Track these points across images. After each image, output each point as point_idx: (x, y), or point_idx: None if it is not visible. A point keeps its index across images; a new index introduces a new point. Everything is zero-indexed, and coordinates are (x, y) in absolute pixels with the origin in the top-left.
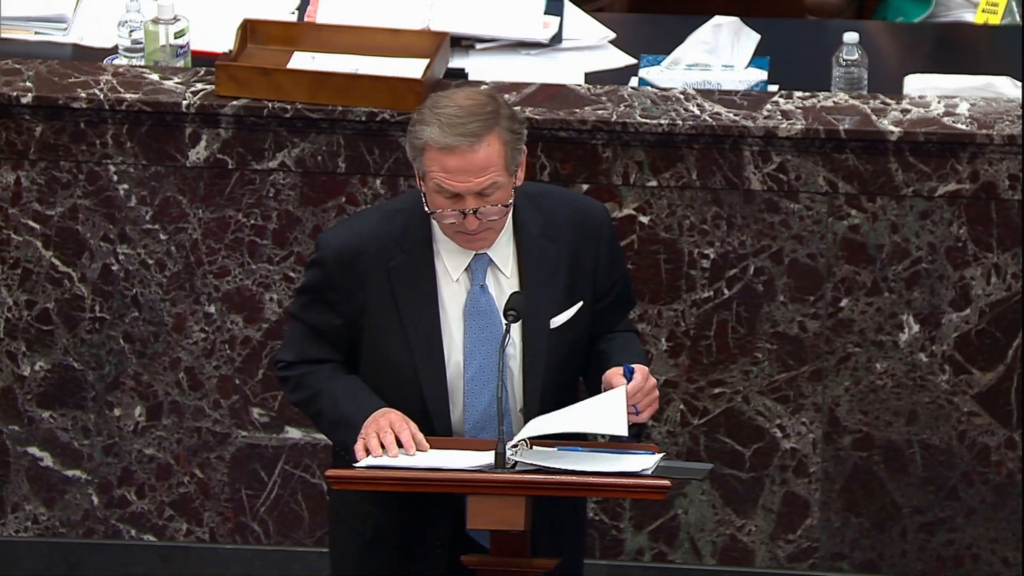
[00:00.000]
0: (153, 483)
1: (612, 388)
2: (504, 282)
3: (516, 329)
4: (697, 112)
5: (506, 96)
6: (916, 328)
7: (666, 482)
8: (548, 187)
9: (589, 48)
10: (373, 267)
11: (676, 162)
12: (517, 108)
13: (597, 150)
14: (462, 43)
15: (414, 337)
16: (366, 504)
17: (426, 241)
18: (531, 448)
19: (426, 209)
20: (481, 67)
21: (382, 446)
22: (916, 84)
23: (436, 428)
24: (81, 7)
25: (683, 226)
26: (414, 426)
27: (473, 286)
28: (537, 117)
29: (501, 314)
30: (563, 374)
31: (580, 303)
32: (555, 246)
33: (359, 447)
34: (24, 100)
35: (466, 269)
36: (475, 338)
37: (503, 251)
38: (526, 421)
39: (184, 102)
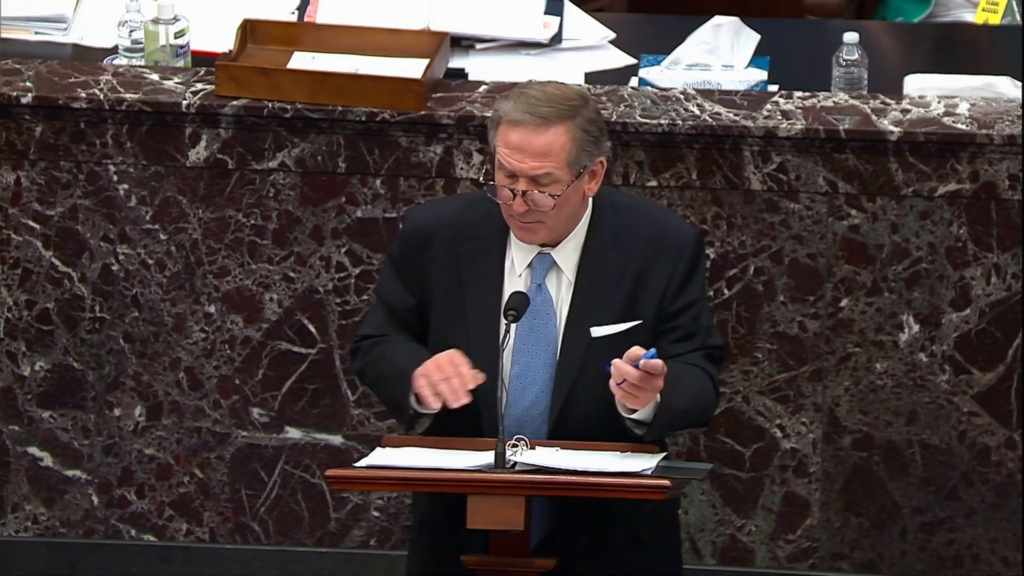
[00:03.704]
0: (153, 483)
1: (633, 358)
2: (565, 285)
3: (559, 334)
4: (697, 112)
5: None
6: (916, 328)
7: (666, 482)
8: (641, 201)
9: (589, 48)
10: (445, 251)
11: (676, 162)
12: None
13: None
14: (462, 43)
15: (475, 326)
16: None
17: (502, 231)
18: (531, 448)
19: (481, 180)
20: (481, 67)
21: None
22: (916, 84)
23: (484, 419)
24: (81, 7)
25: None
26: (464, 364)
27: (532, 284)
28: None
29: (555, 316)
30: (606, 390)
31: (636, 322)
32: (623, 258)
33: (426, 393)
34: (24, 100)
35: (528, 266)
36: (525, 337)
37: (570, 255)
38: (551, 428)
39: (184, 102)
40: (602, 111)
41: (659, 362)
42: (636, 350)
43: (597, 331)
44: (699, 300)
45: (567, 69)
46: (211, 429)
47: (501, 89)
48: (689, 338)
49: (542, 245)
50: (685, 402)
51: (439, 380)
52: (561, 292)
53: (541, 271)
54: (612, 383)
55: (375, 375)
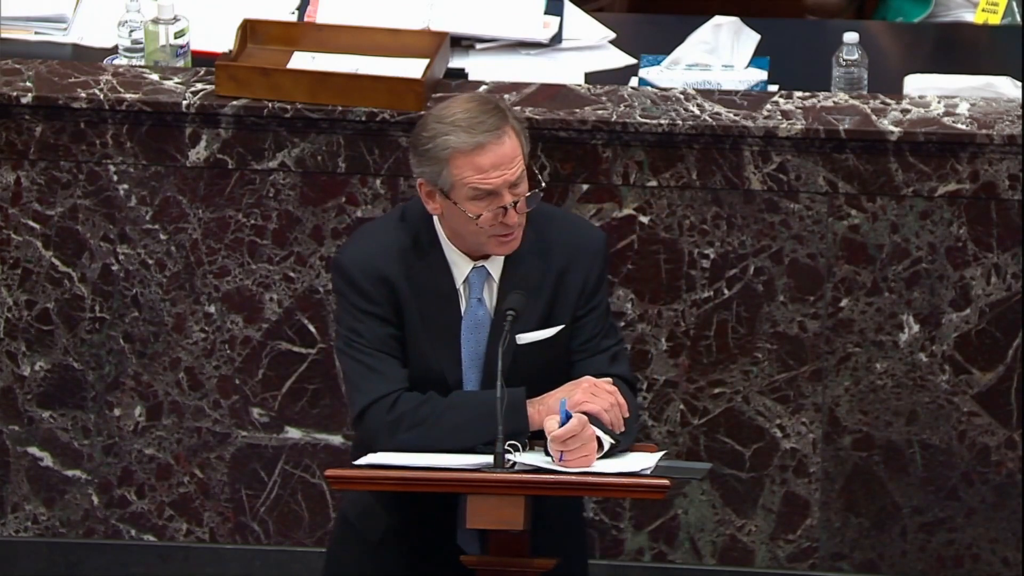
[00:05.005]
0: (153, 483)
1: (547, 431)
2: (496, 294)
3: (483, 341)
4: (697, 112)
5: (506, 96)
6: (916, 328)
7: (666, 482)
8: (547, 207)
9: (589, 48)
10: (399, 277)
11: (676, 162)
12: (517, 108)
13: (597, 150)
14: (462, 43)
15: (438, 343)
16: (377, 505)
17: (437, 246)
18: (531, 448)
19: (469, 216)
20: (481, 67)
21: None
22: (916, 84)
23: None
24: (81, 7)
25: (683, 226)
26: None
27: (471, 299)
28: (537, 117)
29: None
30: (532, 393)
31: (558, 328)
32: (542, 264)
33: (599, 412)
34: (24, 100)
35: (464, 280)
36: (472, 352)
37: (498, 263)
38: None
39: (184, 102)
40: (602, 111)
41: (572, 422)
42: (549, 424)
43: (523, 338)
44: (604, 300)
45: (567, 69)
46: (211, 429)
47: (501, 89)
48: (593, 338)
49: (478, 258)
50: (629, 422)
51: (609, 406)
52: (493, 302)
53: (478, 285)
54: (555, 461)
55: (445, 427)
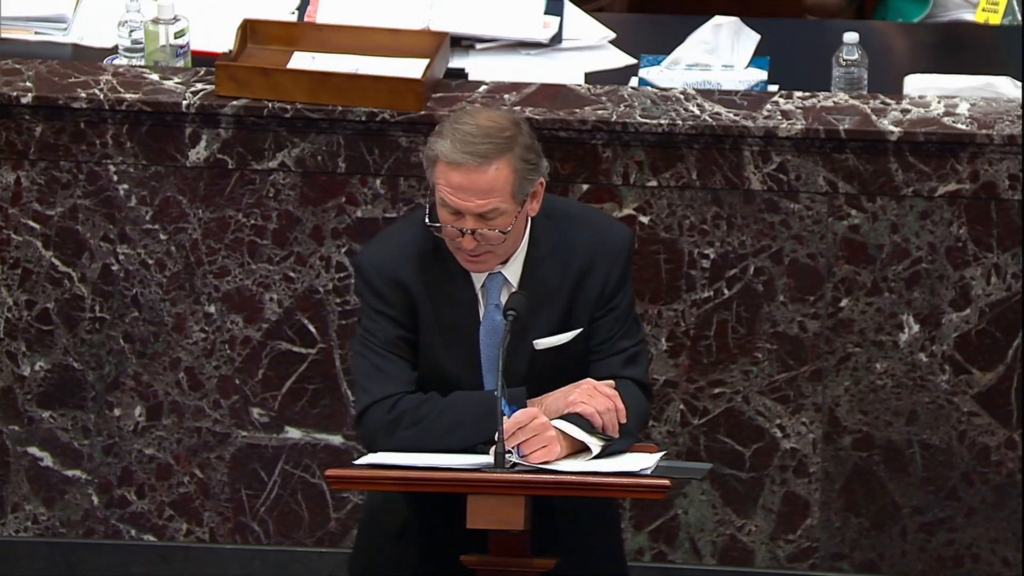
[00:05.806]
0: (153, 483)
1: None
2: None
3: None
4: (697, 112)
5: (506, 96)
6: (916, 328)
7: (666, 482)
8: (572, 207)
9: (589, 48)
10: (417, 281)
11: (676, 162)
12: (517, 108)
13: (597, 150)
14: (462, 43)
15: (455, 346)
16: (396, 498)
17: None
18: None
19: (426, 220)
20: (481, 67)
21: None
22: (916, 84)
23: None
24: (81, 7)
25: (683, 226)
26: (616, 396)
27: (488, 304)
28: (537, 117)
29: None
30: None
31: (576, 332)
32: (561, 267)
33: (594, 416)
34: (24, 100)
35: (482, 286)
36: (491, 356)
37: (516, 268)
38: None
39: (184, 102)
40: (602, 111)
41: (517, 414)
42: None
43: (541, 343)
44: (625, 300)
45: (567, 69)
46: (211, 429)
47: (501, 89)
48: (609, 339)
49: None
50: (629, 425)
51: (605, 409)
52: None
53: (495, 291)
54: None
55: (443, 425)
